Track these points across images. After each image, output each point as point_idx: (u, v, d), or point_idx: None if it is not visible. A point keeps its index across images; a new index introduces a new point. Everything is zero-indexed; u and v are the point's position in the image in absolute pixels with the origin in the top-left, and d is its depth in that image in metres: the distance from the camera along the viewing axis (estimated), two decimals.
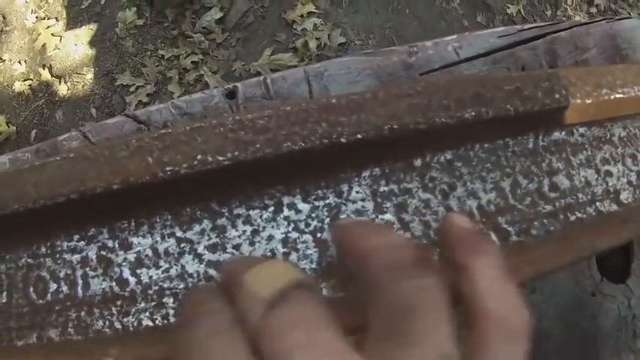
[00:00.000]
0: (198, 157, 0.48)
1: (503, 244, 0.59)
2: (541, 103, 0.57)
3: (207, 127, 0.50)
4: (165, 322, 0.52)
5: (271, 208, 0.55)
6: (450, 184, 0.60)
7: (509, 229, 0.60)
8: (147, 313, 0.53)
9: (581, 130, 0.67)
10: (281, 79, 0.70)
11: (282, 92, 0.70)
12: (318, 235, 0.55)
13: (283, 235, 0.55)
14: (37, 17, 2.42)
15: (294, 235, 0.55)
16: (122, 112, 0.78)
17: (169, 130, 0.51)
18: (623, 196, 0.67)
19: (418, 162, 0.59)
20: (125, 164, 0.50)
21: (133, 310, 0.53)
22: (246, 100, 0.67)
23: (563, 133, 0.66)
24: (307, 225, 0.55)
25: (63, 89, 2.31)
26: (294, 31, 2.18)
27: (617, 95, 0.62)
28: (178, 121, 0.67)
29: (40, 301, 0.56)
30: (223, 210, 0.54)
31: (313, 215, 0.55)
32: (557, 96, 0.58)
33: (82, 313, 0.54)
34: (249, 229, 0.54)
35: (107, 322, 0.53)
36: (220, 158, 0.48)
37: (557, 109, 0.59)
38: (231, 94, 0.68)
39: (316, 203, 0.55)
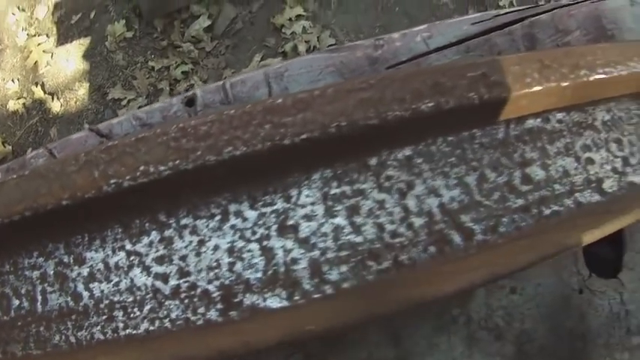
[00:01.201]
0: (141, 168, 0.48)
1: (467, 244, 0.56)
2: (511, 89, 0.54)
3: (151, 137, 0.49)
4: (115, 335, 0.51)
5: (218, 217, 0.54)
6: (409, 182, 0.57)
7: (474, 227, 0.57)
8: (98, 327, 0.52)
9: (559, 115, 0.62)
10: (240, 83, 0.69)
11: (241, 96, 0.69)
12: (265, 243, 0.54)
13: (229, 245, 0.54)
14: (27, 35, 2.44)
15: (239, 243, 0.54)
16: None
17: (116, 142, 0.51)
18: (607, 185, 0.62)
19: (373, 161, 0.56)
20: (74, 179, 0.50)
21: (86, 324, 0.53)
22: (205, 107, 0.67)
23: (539, 120, 0.61)
24: (254, 233, 0.54)
25: (56, 106, 2.32)
26: (283, 35, 2.17)
27: (599, 76, 0.58)
28: (138, 132, 0.66)
29: (5, 318, 0.56)
30: (171, 221, 0.54)
31: (260, 222, 0.54)
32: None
33: (41, 328, 0.54)
34: (195, 239, 0.54)
35: (63, 337, 0.53)
36: (162, 168, 0.48)
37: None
38: (190, 102, 0.68)
39: (263, 210, 0.55)
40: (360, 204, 0.56)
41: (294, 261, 0.54)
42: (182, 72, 2.14)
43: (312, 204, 0.55)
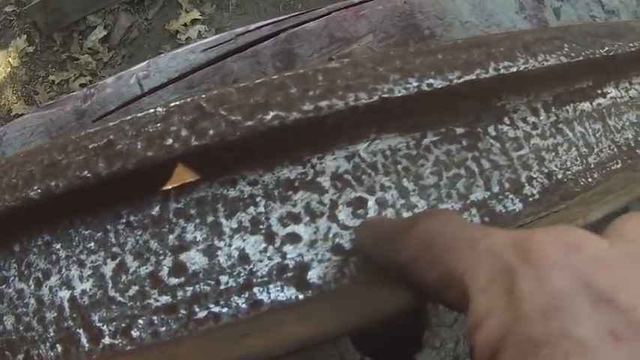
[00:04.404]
0: None
1: (92, 347, 0.47)
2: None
3: None
4: None
5: None
6: (46, 270, 0.49)
7: (103, 327, 0.47)
8: None
9: (253, 175, 0.47)
10: None
11: None
12: None
13: None
14: None
15: None
16: None
17: None
18: (313, 274, 0.45)
19: (17, 247, 0.50)
20: None
21: None
22: None
23: (215, 186, 0.47)
24: None
25: None
26: (179, 41, 2.11)
27: (297, 116, 0.43)
28: None
29: None
30: None
31: None
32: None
33: None
34: None
35: None
36: None
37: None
38: None
39: None
40: (5, 292, 0.50)
41: None
42: (80, 84, 2.08)
43: None
